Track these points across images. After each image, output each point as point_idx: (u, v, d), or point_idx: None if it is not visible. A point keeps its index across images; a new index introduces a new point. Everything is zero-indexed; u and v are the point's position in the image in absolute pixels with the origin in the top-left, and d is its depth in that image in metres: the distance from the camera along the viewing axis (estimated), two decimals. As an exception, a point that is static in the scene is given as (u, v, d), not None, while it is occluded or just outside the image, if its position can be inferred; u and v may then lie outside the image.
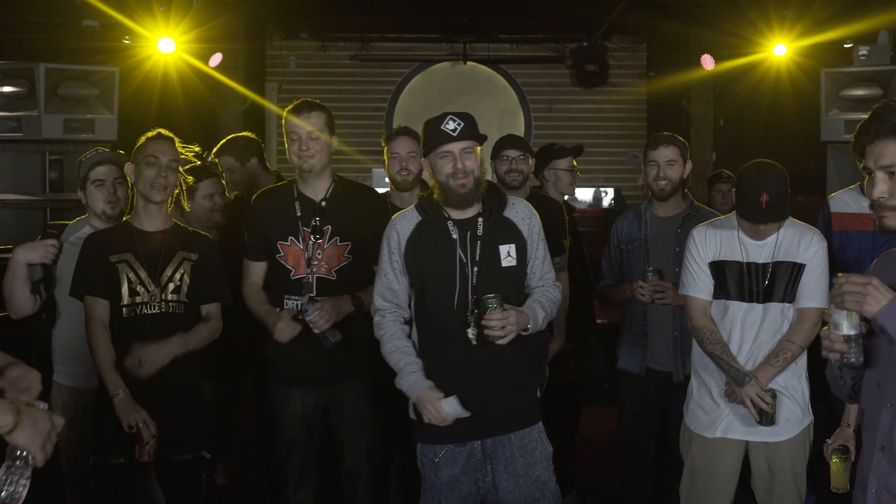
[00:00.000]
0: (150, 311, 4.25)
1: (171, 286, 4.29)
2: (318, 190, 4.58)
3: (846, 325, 2.80)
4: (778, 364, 4.27)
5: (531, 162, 5.71)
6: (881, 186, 2.80)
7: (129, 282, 4.24)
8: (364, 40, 12.08)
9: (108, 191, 4.70)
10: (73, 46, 8.81)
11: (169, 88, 9.56)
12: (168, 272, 4.30)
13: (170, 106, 9.74)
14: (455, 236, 4.01)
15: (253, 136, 6.05)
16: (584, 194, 11.84)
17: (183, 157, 4.46)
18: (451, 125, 3.95)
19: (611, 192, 11.96)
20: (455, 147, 3.95)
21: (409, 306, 4.13)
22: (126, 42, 9.06)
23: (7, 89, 8.55)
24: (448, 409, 3.87)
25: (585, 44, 11.71)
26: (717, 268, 4.38)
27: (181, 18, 8.90)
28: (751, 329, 4.33)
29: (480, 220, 4.03)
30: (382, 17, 11.49)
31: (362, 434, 4.64)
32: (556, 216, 5.71)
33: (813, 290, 4.31)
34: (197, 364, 4.40)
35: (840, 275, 2.80)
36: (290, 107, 4.59)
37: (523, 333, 3.96)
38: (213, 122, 10.43)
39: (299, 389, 4.58)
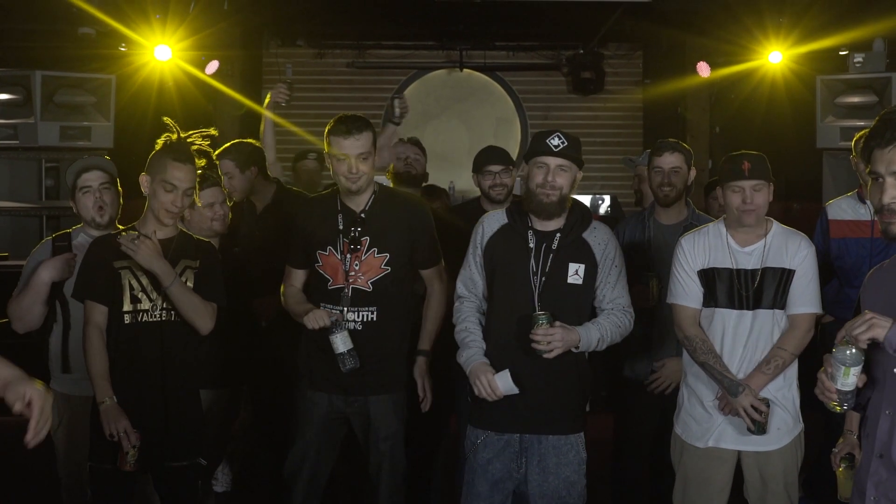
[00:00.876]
0: (151, 319, 4.24)
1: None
2: (359, 201, 4.64)
3: (841, 381, 2.85)
4: (769, 371, 4.26)
5: (514, 173, 5.72)
6: (891, 192, 2.79)
7: (132, 289, 4.22)
8: (360, 48, 12.08)
9: (94, 196, 4.70)
10: (70, 54, 8.80)
11: (165, 96, 9.55)
12: None
13: (166, 113, 9.57)
14: (532, 245, 4.28)
15: (258, 144, 6.03)
16: (582, 201, 11.83)
17: (196, 147, 4.39)
18: (556, 141, 4.21)
19: (607, 199, 11.96)
20: (552, 161, 4.20)
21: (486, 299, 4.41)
22: (122, 49, 9.06)
23: (3, 97, 8.56)
24: (500, 383, 4.14)
25: (581, 51, 11.72)
26: (707, 275, 4.37)
27: (178, 26, 8.90)
28: (741, 336, 4.32)
29: (558, 235, 4.28)
30: (379, 25, 11.49)
31: (386, 445, 4.65)
32: None
33: (803, 295, 4.30)
34: (196, 372, 4.41)
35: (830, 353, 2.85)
36: (334, 124, 4.58)
37: (574, 351, 4.20)
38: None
39: (327, 394, 4.61)
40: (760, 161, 4.36)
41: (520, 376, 4.17)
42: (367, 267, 4.58)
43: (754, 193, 4.29)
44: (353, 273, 4.57)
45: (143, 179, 4.28)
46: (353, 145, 4.53)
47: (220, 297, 4.44)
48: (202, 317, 4.32)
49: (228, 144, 5.93)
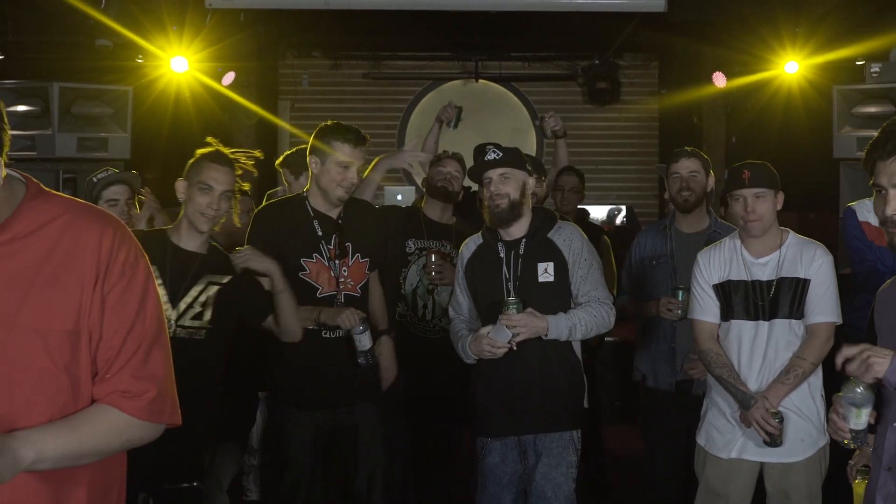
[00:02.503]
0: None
1: (191, 312, 4.06)
2: (333, 208, 4.64)
3: (853, 421, 2.88)
4: (789, 382, 4.24)
5: (545, 184, 5.69)
6: (894, 204, 2.78)
7: None
8: (376, 59, 12.12)
9: (120, 210, 4.73)
10: (87, 65, 8.84)
11: (182, 107, 9.59)
12: (190, 296, 4.08)
13: (182, 124, 9.76)
14: (502, 255, 4.49)
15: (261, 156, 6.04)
16: (599, 212, 11.82)
17: (241, 170, 4.26)
18: (492, 155, 4.46)
19: (624, 209, 11.94)
20: (493, 173, 4.44)
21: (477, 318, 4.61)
22: (139, 61, 9.09)
23: (21, 108, 8.58)
24: (498, 337, 4.28)
25: (597, 61, 11.74)
26: (724, 289, 4.37)
27: (194, 37, 8.94)
28: (759, 347, 4.31)
29: (524, 240, 4.48)
30: (394, 36, 11.52)
31: (376, 452, 4.68)
32: None
33: (820, 305, 4.28)
34: (206, 395, 4.18)
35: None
36: (339, 130, 4.58)
37: (544, 338, 4.34)
38: (226, 141, 10.35)
39: (311, 412, 4.58)
40: (762, 169, 4.36)
41: (512, 382, 4.38)
42: (354, 272, 4.64)
43: (756, 201, 4.29)
44: (342, 279, 4.60)
45: (180, 185, 4.18)
46: (360, 155, 4.58)
47: (268, 307, 4.29)
48: (296, 327, 4.32)
49: (286, 153, 5.98)
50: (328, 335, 4.57)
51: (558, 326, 4.34)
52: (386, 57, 12.15)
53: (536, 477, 4.38)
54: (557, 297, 4.45)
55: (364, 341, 4.49)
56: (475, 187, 7.09)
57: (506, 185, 4.42)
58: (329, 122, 4.69)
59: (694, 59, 10.96)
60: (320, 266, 4.57)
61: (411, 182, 11.27)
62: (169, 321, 3.99)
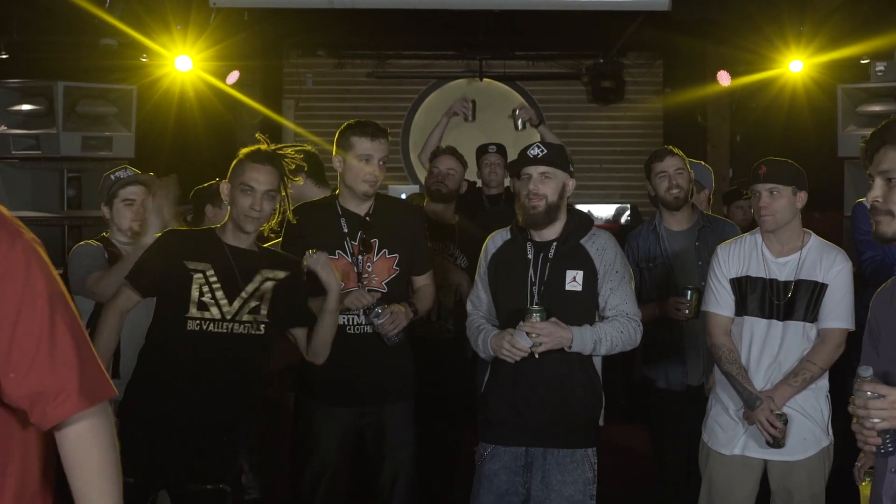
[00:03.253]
0: (216, 330, 3.96)
1: (248, 307, 4.02)
2: (364, 205, 4.65)
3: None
4: (797, 384, 4.24)
5: (570, 183, 5.68)
6: (875, 191, 2.84)
7: (201, 294, 3.98)
8: (380, 58, 12.10)
9: (136, 211, 4.76)
10: (91, 65, 8.84)
11: (186, 106, 9.60)
12: (247, 291, 4.04)
13: (187, 123, 9.78)
14: (530, 256, 4.27)
15: (312, 150, 6.04)
16: (605, 210, 11.79)
17: (290, 164, 4.19)
18: (535, 151, 4.23)
19: (628, 208, 11.92)
20: (533, 171, 4.21)
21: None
22: (143, 60, 9.10)
23: (25, 107, 8.59)
24: (520, 339, 4.06)
25: (601, 60, 11.72)
26: (740, 284, 4.37)
27: (198, 36, 8.94)
28: (770, 346, 4.31)
29: (555, 244, 4.26)
30: (398, 35, 11.51)
31: (403, 453, 4.68)
32: None
33: (835, 310, 4.27)
34: (259, 394, 4.21)
35: (861, 379, 2.79)
36: (358, 126, 4.60)
37: (567, 350, 4.12)
38: (230, 140, 10.45)
39: (342, 409, 4.59)
40: (781, 165, 4.36)
41: (528, 392, 4.19)
42: (379, 268, 4.61)
43: (770, 197, 4.29)
44: (366, 275, 4.59)
45: (224, 187, 4.15)
46: (380, 148, 4.57)
47: (309, 319, 4.27)
48: (327, 350, 4.28)
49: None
50: (352, 331, 4.56)
51: (583, 339, 4.12)
52: (390, 56, 12.14)
53: (547, 493, 4.18)
54: (583, 308, 4.24)
55: (379, 320, 4.48)
56: (479, 182, 7.13)
57: (545, 185, 4.20)
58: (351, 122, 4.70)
59: (698, 58, 10.94)
60: (343, 263, 4.56)
61: (415, 181, 11.26)
62: (223, 317, 3.98)
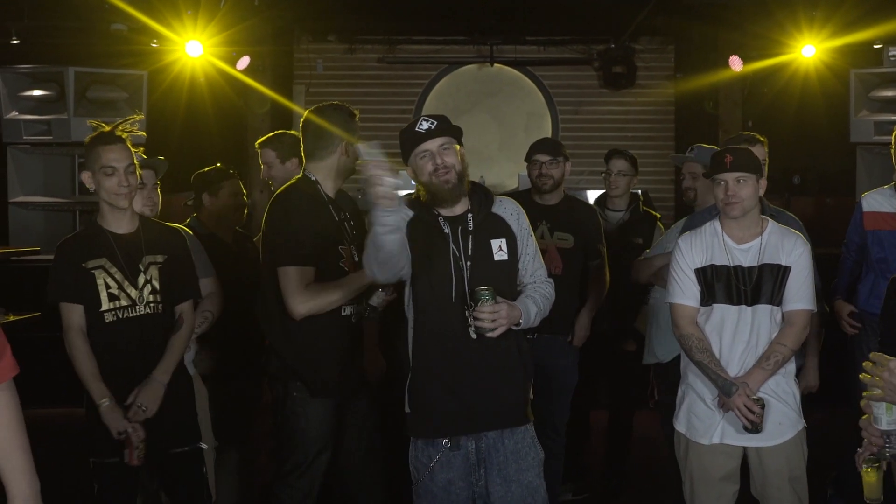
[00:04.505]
0: (132, 315, 4.27)
1: (148, 287, 4.31)
2: (335, 193, 4.65)
3: (885, 420, 2.83)
4: (769, 367, 4.26)
5: (566, 166, 5.67)
6: None
7: (108, 287, 4.24)
8: (391, 43, 12.07)
9: (147, 194, 4.80)
10: (102, 50, 8.87)
11: (196, 91, 9.61)
12: (143, 274, 4.31)
13: (197, 109, 9.78)
14: (447, 231, 4.00)
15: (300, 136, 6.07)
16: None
17: (126, 133, 4.34)
18: (425, 125, 3.96)
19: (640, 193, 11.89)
20: (432, 145, 3.95)
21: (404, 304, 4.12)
22: (154, 46, 9.11)
23: (37, 93, 8.63)
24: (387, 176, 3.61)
25: (613, 45, 11.66)
26: (706, 273, 4.36)
27: (208, 22, 8.94)
28: (742, 332, 4.32)
29: (470, 215, 4.03)
30: (409, 20, 11.49)
31: (375, 442, 4.74)
32: (591, 221, 5.72)
33: (798, 292, 4.31)
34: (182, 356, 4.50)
35: (872, 356, 2.80)
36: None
37: (514, 328, 3.96)
38: (241, 126, 10.46)
39: (327, 399, 4.53)
40: (745, 154, 4.38)
41: (460, 367, 3.95)
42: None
43: (737, 185, 4.29)
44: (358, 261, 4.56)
45: (86, 177, 4.34)
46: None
47: (193, 292, 4.55)
48: (189, 338, 4.53)
49: (271, 134, 5.97)
50: (344, 312, 4.51)
51: (528, 314, 3.98)
52: (401, 41, 12.11)
53: (507, 486, 3.98)
54: (510, 277, 4.07)
55: (379, 299, 4.61)
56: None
57: (448, 154, 3.94)
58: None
59: (710, 43, 10.90)
60: (348, 251, 4.54)
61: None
62: (133, 301, 4.29)
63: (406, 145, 4.01)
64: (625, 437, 6.48)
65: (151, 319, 4.30)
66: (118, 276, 4.25)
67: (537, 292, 4.09)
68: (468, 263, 3.97)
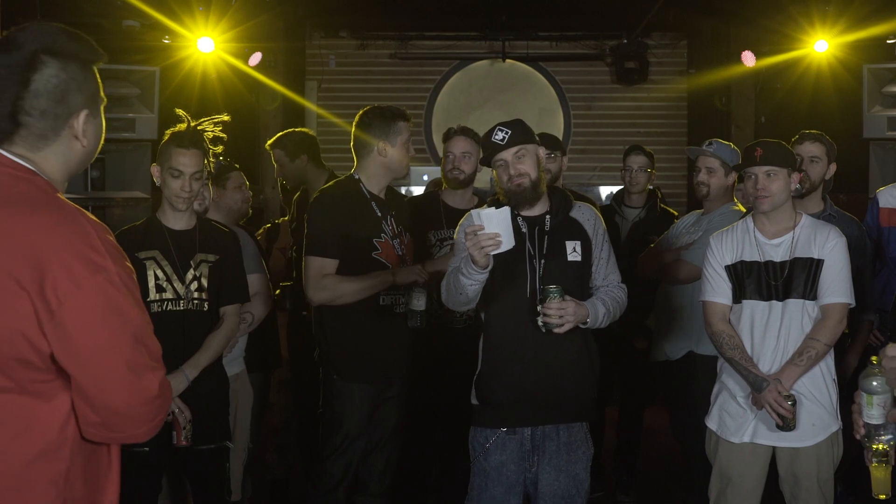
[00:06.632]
0: (175, 308, 4.37)
1: (195, 284, 4.41)
2: (381, 190, 4.85)
3: (865, 412, 2.87)
4: (802, 363, 4.22)
5: (563, 160, 5.68)
6: None
7: (156, 278, 4.35)
8: (403, 38, 12.07)
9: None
10: (114, 46, 8.84)
11: (208, 88, 9.61)
12: (192, 270, 4.42)
13: (209, 105, 9.75)
14: (524, 230, 4.19)
15: (309, 132, 6.10)
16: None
17: (209, 134, 4.48)
18: (499, 135, 4.16)
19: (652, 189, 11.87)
20: (506, 155, 4.16)
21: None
22: (166, 42, 9.11)
23: (49, 89, 8.61)
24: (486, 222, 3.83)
25: (625, 41, 11.65)
26: (736, 270, 4.36)
27: (220, 18, 8.94)
28: (773, 328, 4.29)
29: (548, 217, 4.23)
30: (421, 16, 11.48)
31: (396, 433, 4.92)
32: None
33: (833, 285, 4.26)
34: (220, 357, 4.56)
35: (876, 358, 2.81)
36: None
37: (582, 327, 4.11)
38: (253, 122, 10.47)
39: (368, 385, 4.73)
40: (776, 148, 4.35)
41: (528, 361, 4.12)
42: (409, 249, 4.87)
43: (767, 179, 4.29)
44: (403, 255, 4.81)
45: (154, 170, 4.45)
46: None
47: (242, 295, 4.62)
48: (228, 340, 4.58)
49: (279, 135, 6.01)
50: (383, 302, 4.74)
51: (596, 314, 4.11)
52: (413, 37, 12.10)
53: (556, 475, 4.17)
54: (581, 278, 4.24)
55: (421, 301, 4.66)
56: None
57: (523, 162, 4.16)
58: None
59: (723, 39, 10.88)
60: (388, 245, 4.74)
61: (437, 162, 11.24)
62: (178, 295, 4.39)
63: (486, 152, 4.26)
64: (636, 432, 6.49)
65: (195, 316, 4.40)
66: (168, 269, 4.36)
67: (608, 295, 4.23)
68: (542, 262, 4.16)
